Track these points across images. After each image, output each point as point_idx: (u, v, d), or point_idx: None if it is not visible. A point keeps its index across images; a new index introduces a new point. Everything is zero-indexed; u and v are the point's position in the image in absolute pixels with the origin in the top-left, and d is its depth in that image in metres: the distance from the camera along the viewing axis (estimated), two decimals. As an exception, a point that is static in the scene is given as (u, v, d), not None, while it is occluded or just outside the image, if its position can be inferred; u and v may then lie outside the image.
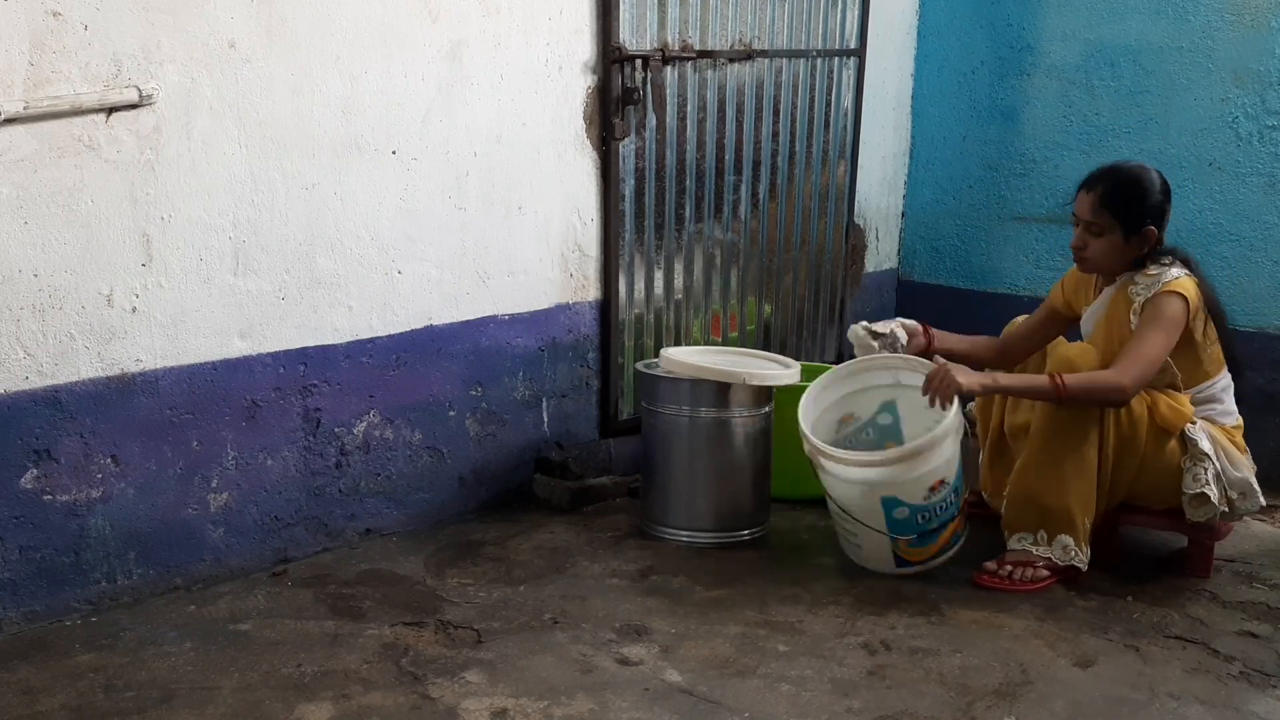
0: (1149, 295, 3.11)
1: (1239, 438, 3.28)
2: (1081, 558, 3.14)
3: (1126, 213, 3.14)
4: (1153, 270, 3.15)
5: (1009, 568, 3.17)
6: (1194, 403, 3.19)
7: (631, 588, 3.13)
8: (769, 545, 3.48)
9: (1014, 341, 3.48)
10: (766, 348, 4.34)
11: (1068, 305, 3.42)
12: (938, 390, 3.08)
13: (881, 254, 4.87)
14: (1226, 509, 3.15)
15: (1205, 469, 3.11)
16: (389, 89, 3.22)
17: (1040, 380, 3.10)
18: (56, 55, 2.64)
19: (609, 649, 2.77)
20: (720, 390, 3.40)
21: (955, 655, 2.77)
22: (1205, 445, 3.13)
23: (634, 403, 3.93)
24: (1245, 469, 3.20)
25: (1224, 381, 3.25)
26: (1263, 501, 3.21)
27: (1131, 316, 3.14)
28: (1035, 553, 3.16)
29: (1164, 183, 3.19)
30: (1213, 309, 3.18)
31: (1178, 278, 3.11)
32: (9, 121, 2.58)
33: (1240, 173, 4.00)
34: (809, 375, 3.96)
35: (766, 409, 3.50)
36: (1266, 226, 3.97)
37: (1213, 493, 3.10)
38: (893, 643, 2.83)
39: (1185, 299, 3.07)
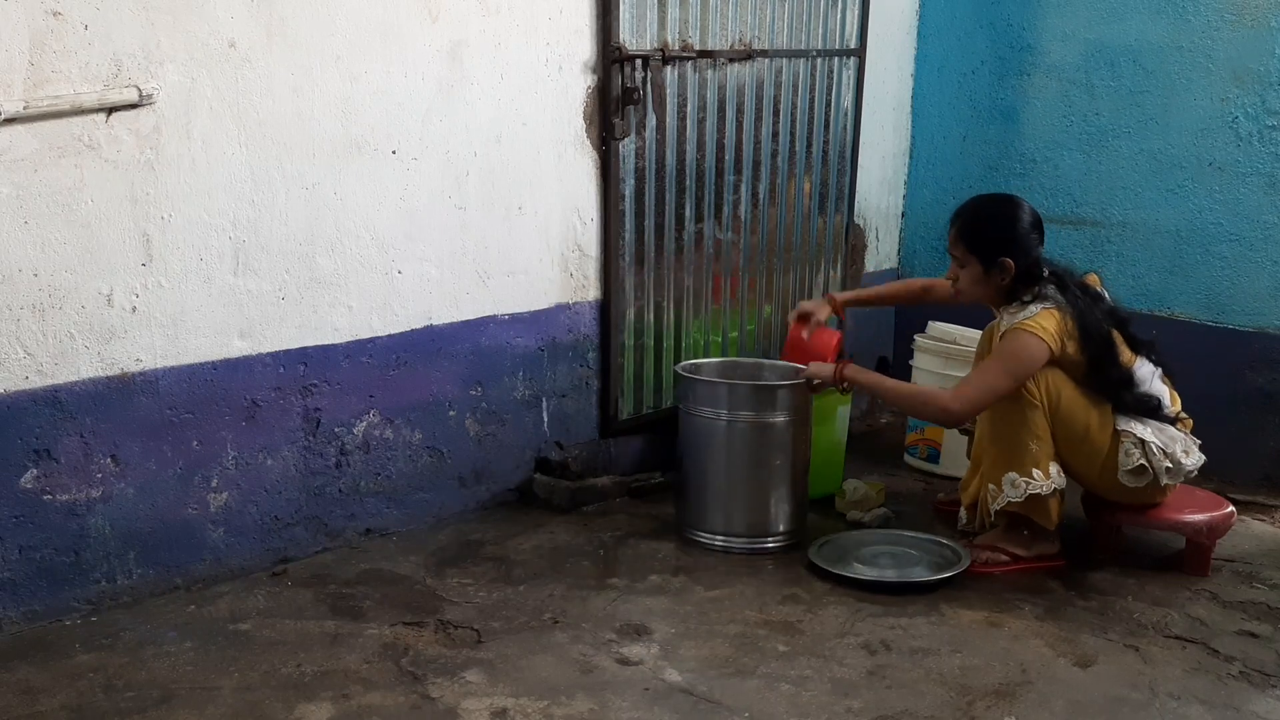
0: (1010, 325, 3.17)
1: (1185, 425, 3.32)
2: (1039, 485, 3.17)
3: (982, 246, 3.24)
4: (1013, 308, 3.21)
5: (973, 551, 3.29)
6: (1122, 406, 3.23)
7: (631, 587, 3.13)
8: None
9: (938, 294, 3.69)
10: (766, 348, 4.34)
11: None
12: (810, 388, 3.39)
13: (881, 254, 4.87)
14: (1170, 465, 3.16)
15: (1128, 440, 3.16)
16: (389, 89, 3.22)
17: (875, 377, 3.38)
18: (56, 55, 2.64)
19: (609, 649, 2.77)
20: (757, 393, 3.42)
21: (955, 655, 2.77)
22: (1122, 424, 3.18)
23: (634, 403, 3.94)
24: (1175, 434, 3.23)
25: (1142, 373, 3.25)
26: (1200, 455, 3.23)
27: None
28: (992, 507, 3.24)
29: (1028, 214, 3.25)
30: (1092, 328, 3.17)
31: (1034, 314, 3.14)
32: (9, 121, 2.58)
33: (1240, 173, 4.00)
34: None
35: (804, 413, 3.49)
36: (1266, 226, 3.96)
37: (1136, 457, 3.14)
38: (893, 643, 2.83)
39: (1044, 341, 3.10)
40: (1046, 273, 3.23)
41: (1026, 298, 3.19)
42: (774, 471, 3.42)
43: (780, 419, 3.41)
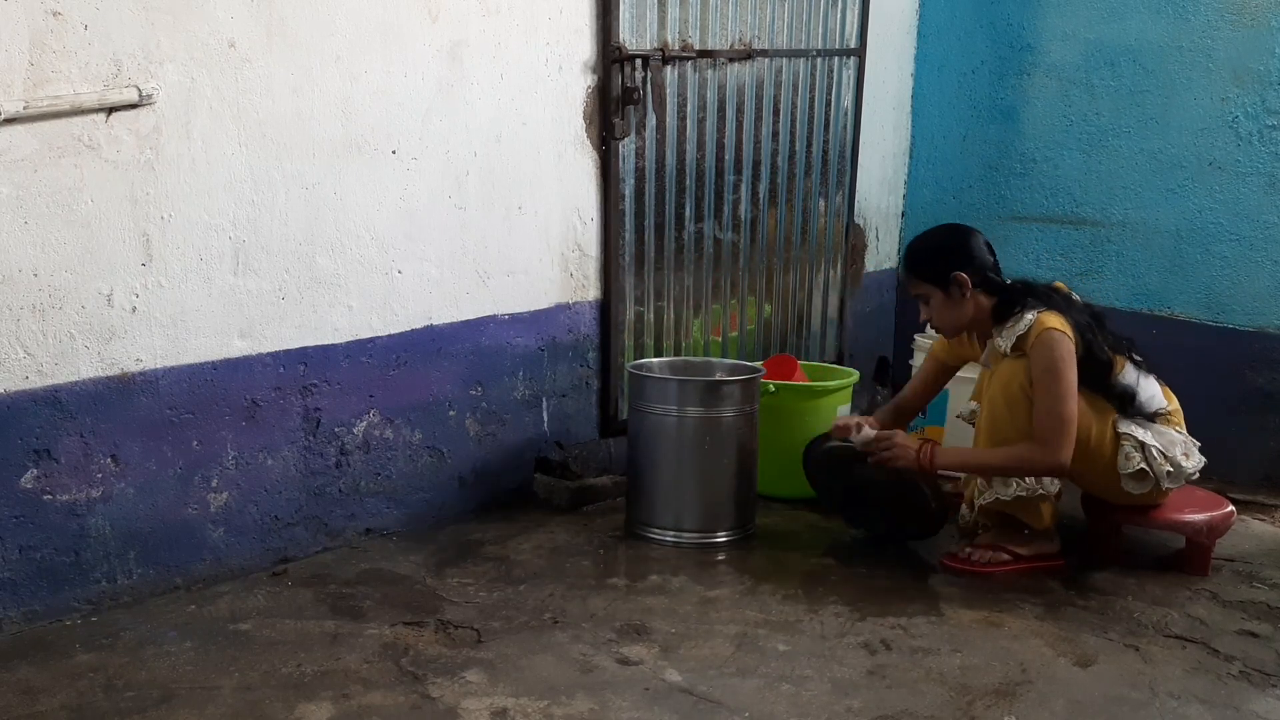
0: (1012, 342, 3.14)
1: (1175, 419, 3.30)
2: (1029, 487, 3.18)
3: (930, 272, 3.27)
4: (1009, 325, 3.18)
5: (968, 550, 3.28)
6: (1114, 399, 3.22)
7: (631, 587, 3.13)
8: (767, 545, 3.48)
9: (909, 402, 3.60)
10: (766, 348, 4.35)
11: (951, 355, 3.49)
12: (883, 458, 3.26)
13: (881, 254, 4.87)
14: (1171, 469, 3.16)
15: (1128, 444, 3.15)
16: (389, 89, 3.22)
17: (960, 456, 3.30)
18: (56, 55, 2.64)
19: (609, 649, 2.77)
20: (707, 390, 3.43)
21: (955, 655, 2.77)
22: (1122, 426, 3.18)
23: (634, 402, 3.95)
24: (1175, 437, 3.22)
25: (1129, 378, 3.24)
26: (1201, 458, 3.22)
27: (1009, 358, 3.17)
28: (977, 501, 3.25)
29: (965, 231, 3.32)
30: (1078, 318, 3.17)
31: (1034, 320, 3.12)
32: (9, 121, 2.58)
33: (1240, 172, 4.00)
34: (811, 375, 3.98)
35: (750, 408, 3.50)
36: (1266, 226, 3.96)
37: (1136, 461, 3.13)
38: (893, 642, 2.83)
39: (1063, 331, 3.09)
40: (1009, 282, 3.25)
41: (1017, 309, 3.18)
42: (723, 467, 3.45)
43: (728, 414, 3.43)
